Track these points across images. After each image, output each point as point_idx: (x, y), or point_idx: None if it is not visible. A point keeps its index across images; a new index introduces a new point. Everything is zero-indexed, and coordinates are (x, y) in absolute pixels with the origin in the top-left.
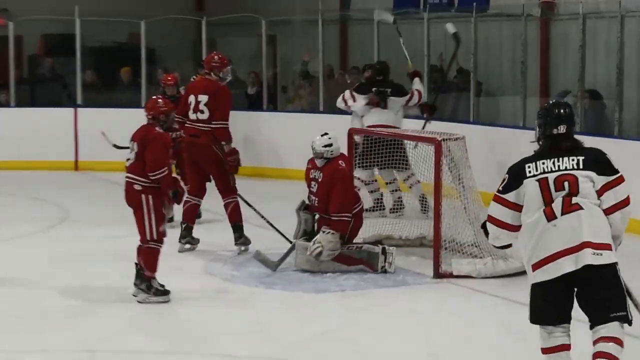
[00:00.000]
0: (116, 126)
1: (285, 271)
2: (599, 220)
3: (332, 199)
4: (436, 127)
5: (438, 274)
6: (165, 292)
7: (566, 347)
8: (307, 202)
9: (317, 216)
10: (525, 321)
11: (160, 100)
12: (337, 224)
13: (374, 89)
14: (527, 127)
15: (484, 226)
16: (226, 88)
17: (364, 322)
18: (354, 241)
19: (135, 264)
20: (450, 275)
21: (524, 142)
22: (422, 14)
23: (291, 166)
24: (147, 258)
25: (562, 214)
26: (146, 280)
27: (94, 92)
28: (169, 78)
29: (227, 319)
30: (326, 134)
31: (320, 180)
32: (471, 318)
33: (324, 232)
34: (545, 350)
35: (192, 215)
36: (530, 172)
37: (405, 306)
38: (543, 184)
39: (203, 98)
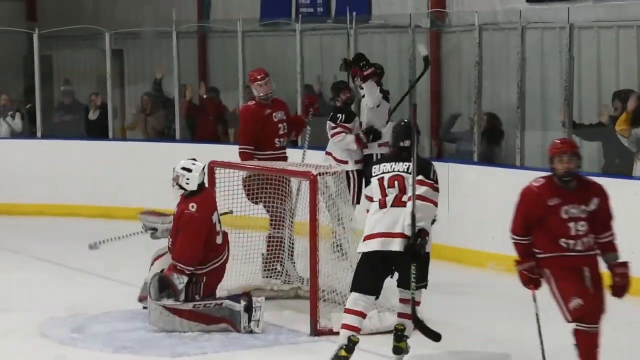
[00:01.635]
0: None
1: (137, 331)
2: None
3: (175, 246)
4: (314, 158)
5: (316, 331)
6: None
7: (364, 315)
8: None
9: None
10: None
11: None
12: (174, 269)
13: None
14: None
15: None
16: (244, 107)
17: None
18: (217, 295)
19: None
20: (330, 332)
21: None
22: (294, 25)
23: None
24: None
25: (392, 206)
26: None
27: None
28: None
29: None
30: (194, 159)
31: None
32: None
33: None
34: (347, 310)
35: None
36: (374, 172)
37: None
38: (380, 181)
39: None
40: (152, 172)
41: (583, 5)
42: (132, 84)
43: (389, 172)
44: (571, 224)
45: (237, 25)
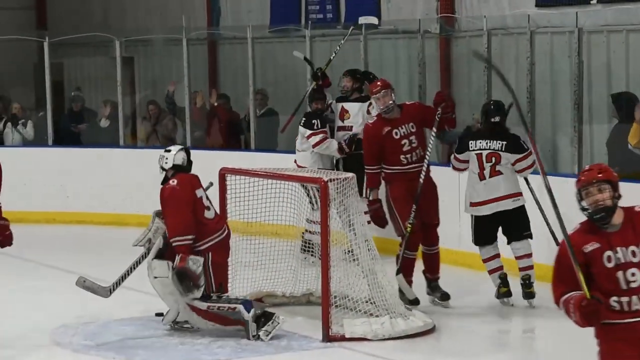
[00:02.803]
0: None
1: (149, 338)
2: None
3: (167, 225)
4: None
5: (328, 337)
6: None
7: (498, 255)
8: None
9: None
10: None
11: None
12: (178, 249)
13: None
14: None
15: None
16: (364, 126)
17: None
18: (228, 296)
19: None
20: (342, 338)
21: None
22: (304, 31)
23: None
24: None
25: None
26: None
27: None
28: None
29: None
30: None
31: None
32: None
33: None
34: (485, 260)
35: None
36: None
37: None
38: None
39: None
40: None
41: (592, 9)
42: (143, 91)
43: (485, 149)
44: (619, 274)
45: (247, 32)
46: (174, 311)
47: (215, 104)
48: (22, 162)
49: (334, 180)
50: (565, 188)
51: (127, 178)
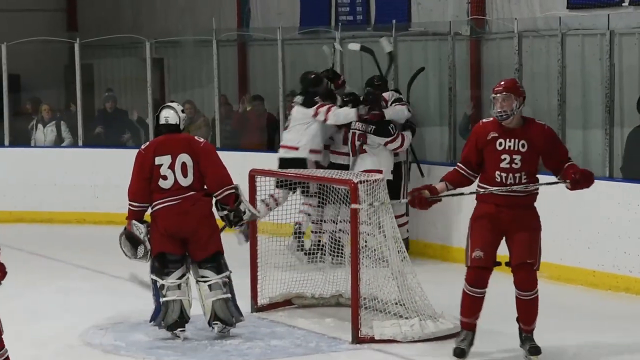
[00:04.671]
0: None
1: (178, 339)
2: None
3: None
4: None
5: (358, 339)
6: None
7: None
8: None
9: None
10: None
11: None
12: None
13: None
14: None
15: None
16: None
17: None
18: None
19: None
20: (372, 340)
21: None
22: (334, 33)
23: None
24: None
25: None
26: None
27: None
28: None
29: None
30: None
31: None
32: None
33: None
34: None
35: None
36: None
37: None
38: None
39: None
40: None
41: (624, 11)
42: (173, 92)
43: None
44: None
45: (277, 34)
46: None
47: (248, 108)
48: (52, 162)
49: (364, 182)
50: (596, 188)
51: None
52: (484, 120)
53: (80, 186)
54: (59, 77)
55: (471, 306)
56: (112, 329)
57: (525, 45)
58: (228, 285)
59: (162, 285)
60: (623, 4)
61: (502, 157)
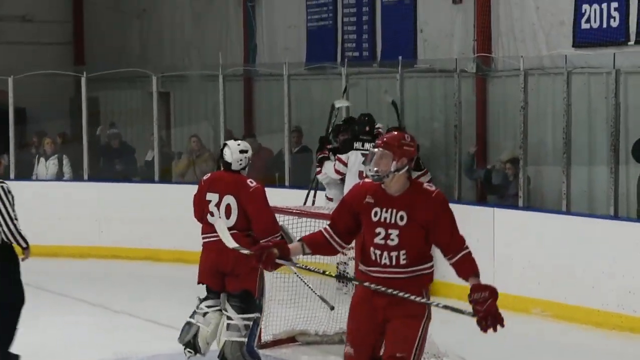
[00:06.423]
0: None
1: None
2: None
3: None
4: None
5: None
6: None
7: None
8: None
9: None
10: None
11: None
12: None
13: None
14: (461, 202)
15: None
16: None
17: None
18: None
19: None
20: None
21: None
22: (340, 69)
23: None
24: None
25: None
26: None
27: None
28: None
29: None
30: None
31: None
32: None
33: None
34: None
35: None
36: None
37: None
38: None
39: None
40: None
41: (629, 50)
42: (179, 126)
43: None
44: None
45: (283, 69)
46: None
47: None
48: (56, 196)
49: None
50: (601, 227)
51: (163, 213)
52: (367, 178)
53: (84, 220)
54: (65, 110)
55: None
56: None
57: (531, 83)
58: (250, 327)
59: (196, 308)
60: (629, 43)
61: (377, 230)
